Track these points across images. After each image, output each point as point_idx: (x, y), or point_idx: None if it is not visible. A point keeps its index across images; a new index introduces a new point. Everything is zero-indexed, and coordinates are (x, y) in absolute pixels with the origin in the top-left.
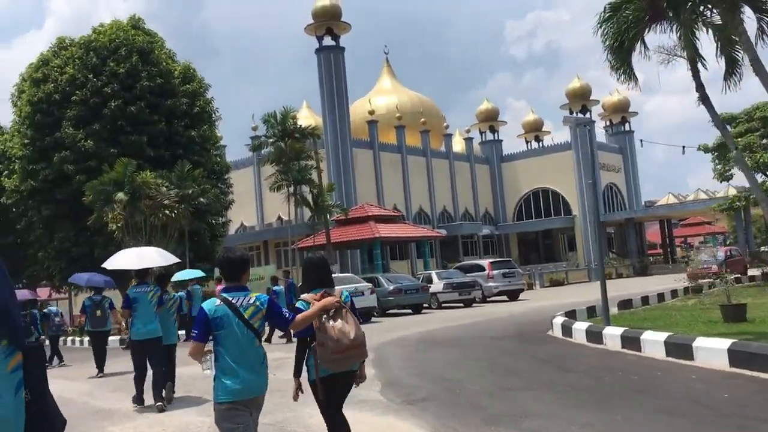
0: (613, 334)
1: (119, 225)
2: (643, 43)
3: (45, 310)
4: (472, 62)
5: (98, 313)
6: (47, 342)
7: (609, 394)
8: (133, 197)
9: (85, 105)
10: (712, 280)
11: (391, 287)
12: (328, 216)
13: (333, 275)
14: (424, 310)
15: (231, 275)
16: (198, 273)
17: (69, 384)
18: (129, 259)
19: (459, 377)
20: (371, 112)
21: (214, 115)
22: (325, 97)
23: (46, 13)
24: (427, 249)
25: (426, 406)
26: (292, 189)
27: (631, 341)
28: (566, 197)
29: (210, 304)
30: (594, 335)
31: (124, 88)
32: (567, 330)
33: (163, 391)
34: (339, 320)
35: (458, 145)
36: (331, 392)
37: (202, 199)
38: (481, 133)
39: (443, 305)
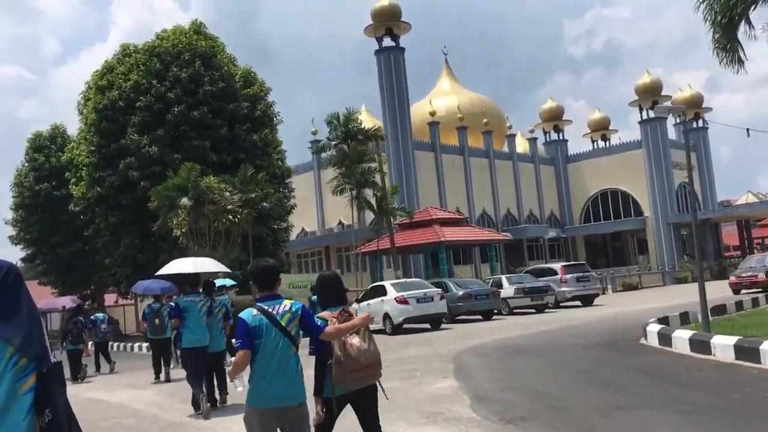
0: (724, 344)
1: (183, 231)
2: (748, 21)
3: (92, 317)
4: (530, 63)
5: (157, 321)
6: (91, 347)
7: (744, 416)
8: (197, 202)
9: (149, 111)
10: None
11: (461, 292)
12: (391, 219)
13: (402, 280)
14: (494, 317)
15: (264, 285)
16: (230, 281)
17: (137, 393)
18: (183, 266)
19: (556, 392)
20: (432, 113)
21: (275, 119)
22: (385, 98)
23: (110, 26)
24: (493, 253)
25: (528, 427)
26: (355, 192)
27: (747, 352)
28: (637, 198)
29: (248, 314)
30: (699, 345)
31: (187, 93)
32: (665, 338)
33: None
34: (357, 338)
35: (519, 147)
36: (357, 408)
37: (265, 204)
38: (545, 133)
39: (514, 311)
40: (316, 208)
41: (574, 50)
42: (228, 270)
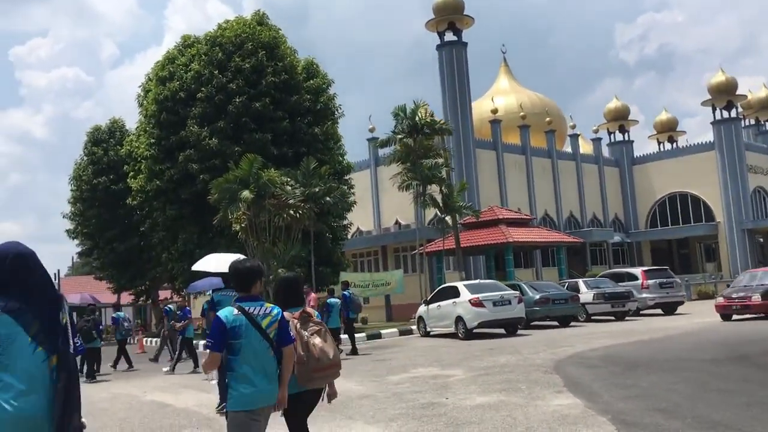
0: None
1: (243, 225)
2: None
3: (114, 315)
4: (580, 67)
5: (212, 315)
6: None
7: None
8: (258, 196)
9: (209, 102)
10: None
11: (538, 296)
12: (457, 218)
13: (476, 282)
14: (571, 323)
15: (242, 286)
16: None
17: (201, 396)
18: (209, 263)
19: (723, 418)
20: (494, 111)
21: (336, 112)
22: (446, 94)
23: (164, 30)
24: (562, 256)
25: None
26: (420, 188)
27: None
28: (708, 202)
29: (228, 313)
30: None
31: (249, 84)
32: None
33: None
34: (318, 339)
35: (580, 149)
36: (301, 407)
37: (328, 198)
38: (609, 133)
39: (592, 318)
40: (372, 206)
41: (625, 55)
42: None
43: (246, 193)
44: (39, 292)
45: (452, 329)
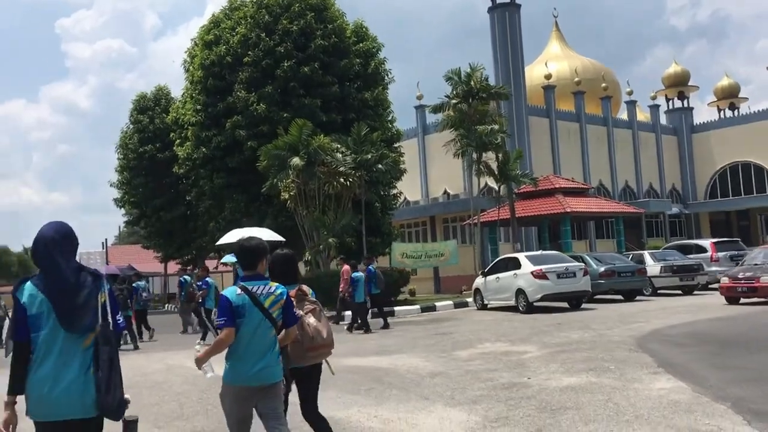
0: None
1: (292, 194)
2: None
3: (133, 285)
4: (630, 34)
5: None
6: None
7: None
8: (309, 163)
9: (256, 67)
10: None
11: (602, 268)
12: (512, 187)
13: (537, 253)
14: (636, 297)
15: (248, 265)
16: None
17: None
18: (232, 238)
19: None
20: (548, 77)
21: (386, 77)
22: (498, 59)
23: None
24: (621, 227)
25: None
26: (475, 155)
27: None
28: None
29: (231, 293)
30: None
31: (297, 47)
32: None
33: None
34: (313, 318)
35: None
36: (305, 385)
37: (380, 166)
38: (667, 100)
39: (658, 292)
40: (419, 176)
41: (676, 21)
42: (282, 239)
43: (296, 160)
44: (74, 272)
45: (512, 302)
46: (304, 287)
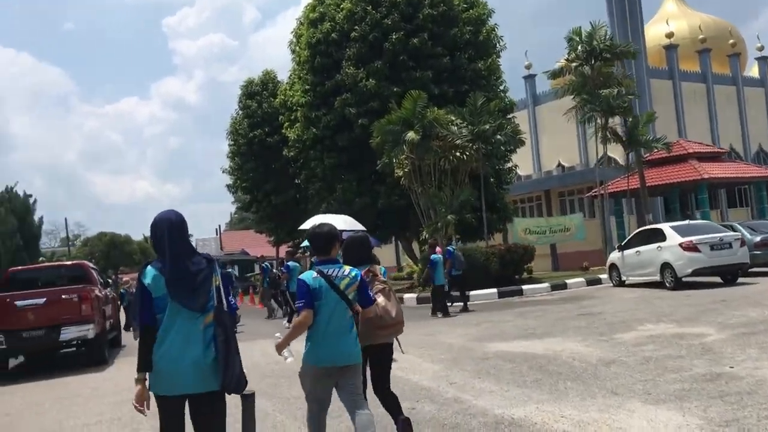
0: None
1: (406, 170)
2: None
3: (263, 264)
4: None
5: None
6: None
7: None
8: (424, 136)
9: (364, 41)
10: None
11: (758, 238)
12: (642, 153)
13: (684, 223)
14: None
15: (322, 250)
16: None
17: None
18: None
19: None
20: (669, 35)
21: (498, 45)
22: (615, 16)
23: None
24: (764, 193)
25: None
26: (600, 121)
27: None
28: None
29: (308, 276)
30: None
31: (405, 18)
32: None
33: None
34: (382, 297)
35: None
36: (378, 362)
37: (498, 136)
38: None
39: None
40: (530, 149)
41: None
42: (362, 227)
43: (411, 135)
44: (190, 255)
45: (656, 278)
46: (375, 267)
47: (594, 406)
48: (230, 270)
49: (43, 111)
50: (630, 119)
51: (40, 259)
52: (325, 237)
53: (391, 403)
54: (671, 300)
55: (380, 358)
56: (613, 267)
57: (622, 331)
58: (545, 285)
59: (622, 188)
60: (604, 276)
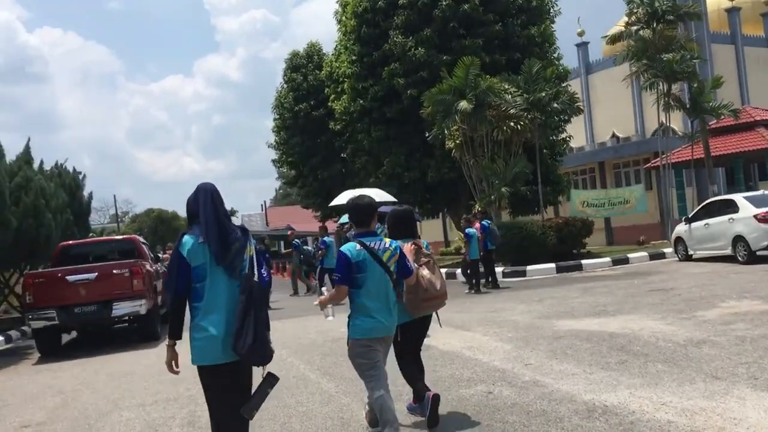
0: None
1: (458, 142)
2: None
3: (293, 242)
4: None
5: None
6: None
7: None
8: (477, 106)
9: (412, 9)
10: None
11: None
12: (705, 121)
13: (759, 193)
14: None
15: (361, 222)
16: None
17: (467, 336)
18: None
19: None
20: None
21: (552, 10)
22: None
23: None
24: None
25: None
26: (663, 87)
27: None
28: None
29: (351, 248)
30: None
31: None
32: None
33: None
34: (426, 270)
35: None
36: (410, 336)
37: (555, 104)
38: None
39: None
40: (583, 120)
41: None
42: (393, 199)
43: (463, 104)
44: (228, 221)
45: (727, 251)
46: (419, 241)
47: (695, 392)
48: (261, 246)
49: (90, 90)
50: (695, 84)
51: (90, 234)
52: (366, 209)
53: (416, 372)
54: (749, 275)
55: (418, 330)
56: (679, 240)
57: (702, 308)
58: (606, 260)
59: (683, 158)
60: (667, 250)
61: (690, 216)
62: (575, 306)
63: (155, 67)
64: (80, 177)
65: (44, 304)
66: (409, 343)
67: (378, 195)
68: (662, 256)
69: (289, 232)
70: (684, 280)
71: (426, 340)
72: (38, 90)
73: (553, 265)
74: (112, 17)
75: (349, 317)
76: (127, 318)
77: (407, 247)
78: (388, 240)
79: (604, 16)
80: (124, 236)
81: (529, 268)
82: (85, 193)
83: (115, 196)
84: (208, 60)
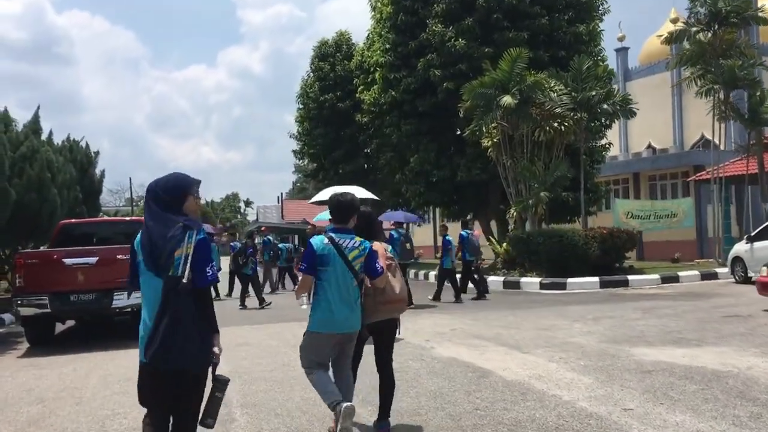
0: None
1: (495, 140)
2: None
3: (231, 244)
4: None
5: (407, 246)
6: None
7: None
8: (521, 102)
9: None
10: None
11: None
12: (761, 133)
13: None
14: None
15: (340, 218)
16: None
17: (501, 356)
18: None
19: None
20: None
21: (602, 7)
22: None
23: None
24: None
25: None
26: (722, 95)
27: None
28: None
29: (318, 241)
30: None
31: None
32: None
33: None
34: (388, 273)
35: None
36: (378, 338)
37: (605, 105)
38: None
39: None
40: (618, 128)
41: None
42: (376, 198)
43: (507, 99)
44: (151, 227)
45: None
46: (379, 244)
47: None
48: (237, 244)
49: (114, 74)
50: (758, 93)
51: (100, 214)
52: (347, 206)
53: (389, 383)
54: None
55: (384, 334)
56: (738, 260)
57: None
58: (654, 276)
59: (733, 172)
60: (721, 270)
61: (753, 234)
62: (643, 330)
63: (179, 55)
64: (93, 154)
65: (36, 288)
66: (379, 351)
67: (360, 192)
68: (714, 276)
69: (308, 228)
70: (756, 305)
71: (479, 362)
72: (62, 71)
73: (596, 279)
74: (141, 3)
75: (312, 309)
76: (129, 310)
77: (380, 249)
78: (359, 239)
79: (644, 22)
80: (134, 218)
81: (569, 280)
82: (98, 171)
83: (131, 178)
84: (231, 51)
